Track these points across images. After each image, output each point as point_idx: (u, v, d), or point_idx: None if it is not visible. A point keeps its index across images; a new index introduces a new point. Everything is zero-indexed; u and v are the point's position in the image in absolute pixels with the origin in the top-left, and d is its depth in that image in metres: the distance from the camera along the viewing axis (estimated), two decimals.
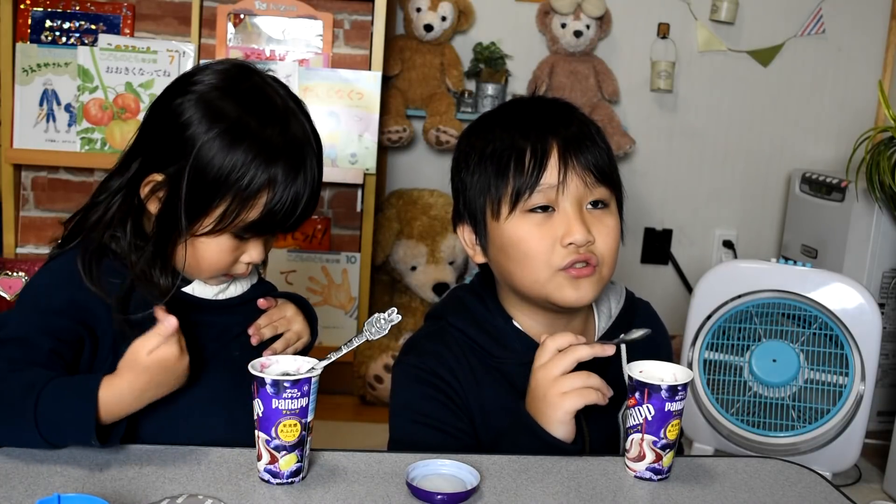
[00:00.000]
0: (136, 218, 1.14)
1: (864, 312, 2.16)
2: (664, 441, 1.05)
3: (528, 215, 1.13)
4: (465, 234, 1.22)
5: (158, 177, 1.10)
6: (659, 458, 1.05)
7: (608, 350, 1.10)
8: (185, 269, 1.15)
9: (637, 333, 1.15)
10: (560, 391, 1.08)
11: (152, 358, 1.00)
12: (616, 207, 1.19)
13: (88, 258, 1.11)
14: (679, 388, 1.05)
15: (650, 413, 1.05)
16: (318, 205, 1.18)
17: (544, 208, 1.13)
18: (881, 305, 2.68)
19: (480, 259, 1.22)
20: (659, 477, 1.06)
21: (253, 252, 1.14)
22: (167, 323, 1.00)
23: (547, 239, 1.13)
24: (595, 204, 1.15)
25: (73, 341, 1.09)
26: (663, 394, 1.04)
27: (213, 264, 1.13)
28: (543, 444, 1.09)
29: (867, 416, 2.21)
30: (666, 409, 1.04)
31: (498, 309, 1.22)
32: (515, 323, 1.21)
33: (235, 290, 1.22)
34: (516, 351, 1.16)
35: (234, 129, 1.07)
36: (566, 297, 1.14)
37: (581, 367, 1.10)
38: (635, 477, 1.07)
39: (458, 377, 1.18)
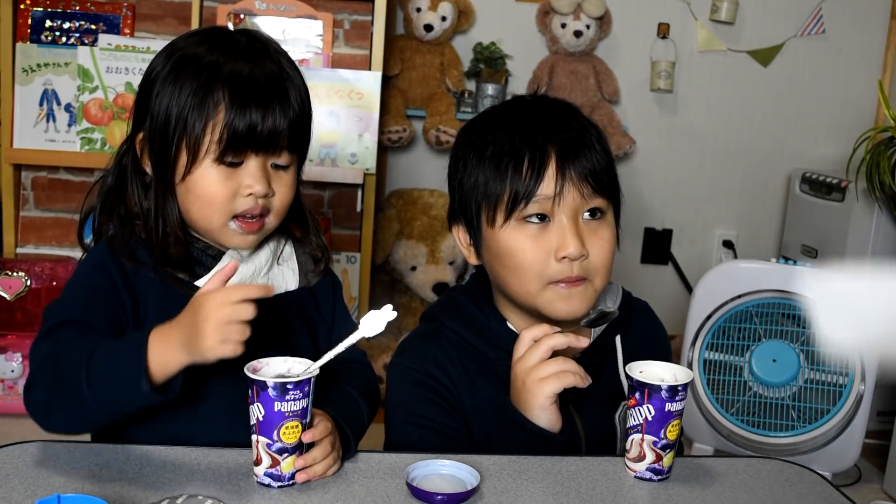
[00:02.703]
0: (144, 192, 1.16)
1: None
2: (664, 441, 1.05)
3: (524, 225, 1.13)
4: (460, 235, 1.22)
5: (140, 135, 1.14)
6: (659, 458, 1.05)
7: (583, 342, 1.11)
8: (195, 221, 1.13)
9: (603, 313, 1.16)
10: (538, 377, 1.09)
11: (198, 294, 0.98)
12: (613, 215, 1.18)
13: (119, 243, 1.14)
14: (679, 388, 1.05)
15: (650, 413, 1.05)
16: (308, 140, 1.17)
17: (541, 217, 1.13)
18: None
19: (474, 261, 1.22)
20: (659, 477, 1.06)
21: (250, 181, 1.11)
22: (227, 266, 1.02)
23: (540, 251, 1.13)
24: (593, 213, 1.15)
25: (120, 323, 1.11)
26: (663, 394, 1.04)
27: (214, 200, 1.10)
28: (530, 434, 1.10)
29: (867, 416, 2.20)
30: (666, 410, 1.04)
31: (492, 310, 1.23)
32: (509, 324, 1.21)
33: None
34: (510, 352, 1.16)
35: (184, 57, 1.12)
36: (557, 311, 1.15)
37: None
38: (635, 477, 1.07)
39: (452, 377, 1.19)
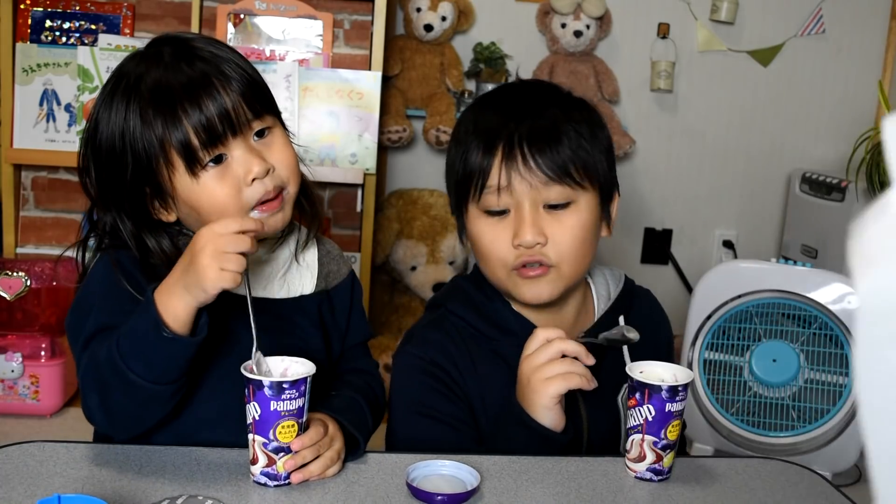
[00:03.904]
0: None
1: None
2: (665, 441, 1.05)
3: (486, 214, 1.17)
4: (457, 224, 1.27)
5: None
6: (659, 458, 1.05)
7: (590, 360, 1.10)
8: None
9: (621, 332, 1.15)
10: (543, 377, 1.09)
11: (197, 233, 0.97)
12: (588, 203, 1.16)
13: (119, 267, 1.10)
14: (679, 388, 1.05)
15: (651, 414, 1.05)
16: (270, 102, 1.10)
17: (500, 211, 1.15)
18: None
19: (467, 249, 1.26)
20: (659, 478, 1.06)
21: (243, 169, 1.04)
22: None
23: (500, 240, 1.16)
24: (557, 202, 1.15)
25: None
26: (664, 394, 1.04)
27: (225, 207, 1.04)
28: (533, 433, 1.10)
29: None
30: (666, 410, 1.04)
31: (496, 294, 1.24)
32: (514, 307, 1.22)
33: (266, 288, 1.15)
34: (515, 334, 1.17)
35: (120, 83, 1.10)
36: (523, 295, 1.17)
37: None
38: (636, 477, 1.07)
39: (458, 365, 1.19)
